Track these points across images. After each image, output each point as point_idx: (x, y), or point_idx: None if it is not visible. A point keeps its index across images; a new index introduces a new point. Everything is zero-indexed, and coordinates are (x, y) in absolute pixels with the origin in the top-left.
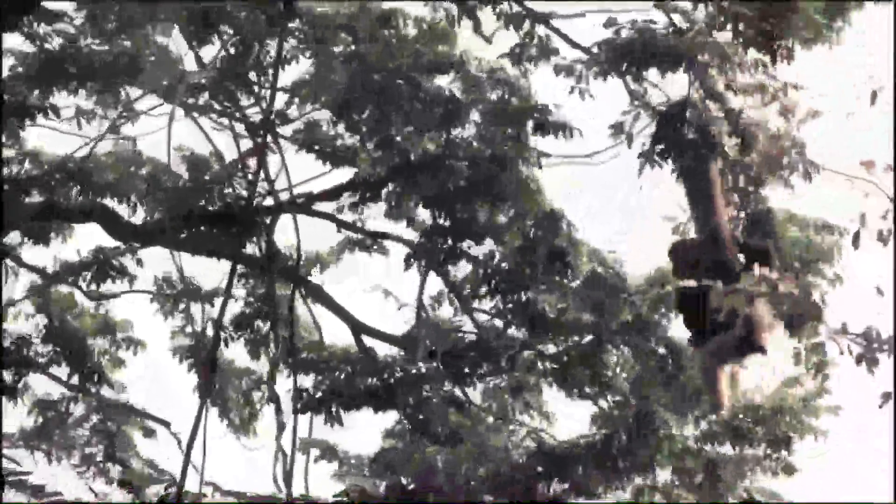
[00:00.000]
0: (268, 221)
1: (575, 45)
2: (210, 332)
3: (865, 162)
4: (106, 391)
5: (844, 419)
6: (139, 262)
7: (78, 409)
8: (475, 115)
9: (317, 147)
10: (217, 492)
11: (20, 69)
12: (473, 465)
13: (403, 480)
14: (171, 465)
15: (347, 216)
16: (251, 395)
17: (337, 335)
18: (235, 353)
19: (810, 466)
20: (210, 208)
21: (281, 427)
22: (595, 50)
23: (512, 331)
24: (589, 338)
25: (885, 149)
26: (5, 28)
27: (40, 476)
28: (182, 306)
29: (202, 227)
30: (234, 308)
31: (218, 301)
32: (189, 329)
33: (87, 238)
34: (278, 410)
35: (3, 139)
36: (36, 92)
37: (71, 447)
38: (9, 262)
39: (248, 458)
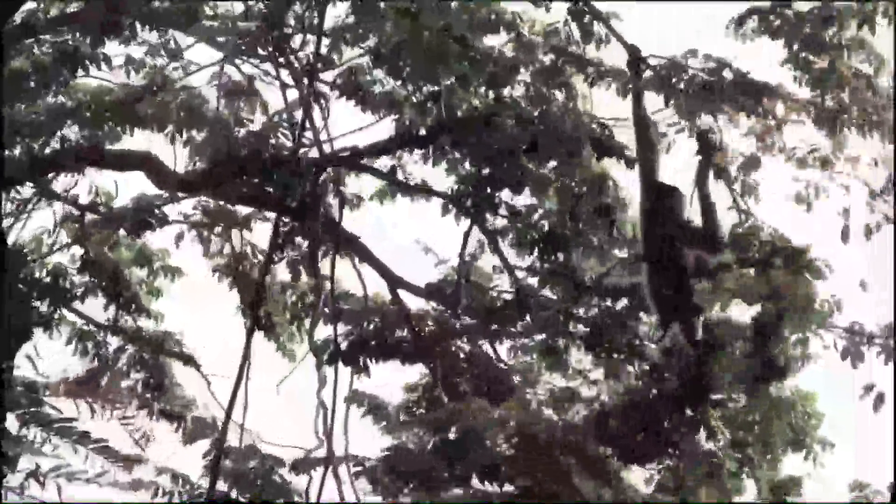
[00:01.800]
0: (312, 173)
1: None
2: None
3: (850, 158)
4: (143, 321)
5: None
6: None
7: (115, 340)
8: (525, 76)
9: (357, 93)
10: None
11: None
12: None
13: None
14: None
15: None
16: (297, 309)
17: (373, 288)
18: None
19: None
20: (254, 159)
21: (322, 380)
22: None
23: (547, 291)
24: (625, 302)
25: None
26: None
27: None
28: (219, 230)
29: (245, 178)
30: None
31: (254, 225)
32: (227, 250)
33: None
34: (319, 363)
35: None
36: (87, 39)
37: (115, 393)
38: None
39: (288, 409)
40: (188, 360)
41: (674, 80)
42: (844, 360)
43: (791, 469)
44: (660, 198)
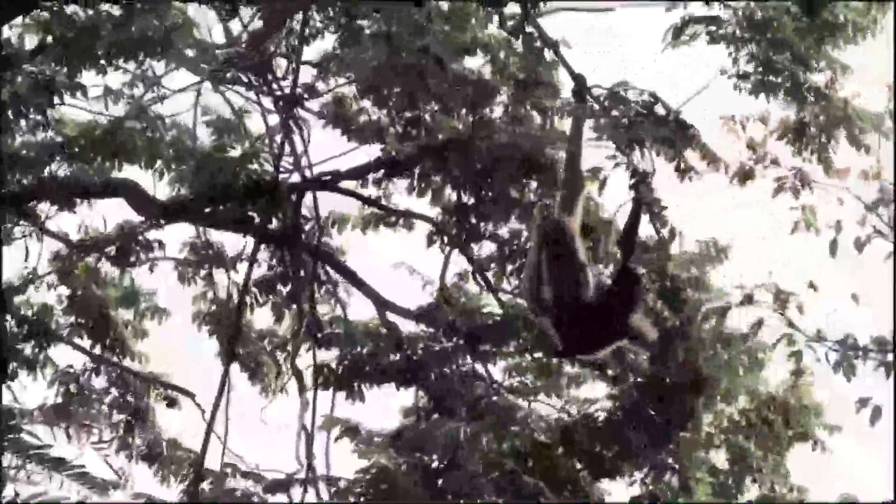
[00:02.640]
0: (294, 198)
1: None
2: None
3: (839, 170)
4: (128, 362)
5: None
6: (160, 244)
7: (99, 382)
8: (504, 97)
9: (343, 122)
10: (237, 472)
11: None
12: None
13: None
14: (195, 441)
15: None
16: (276, 355)
17: (360, 312)
18: (258, 315)
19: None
20: (236, 184)
21: (304, 404)
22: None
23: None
24: None
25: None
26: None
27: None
28: (204, 272)
29: (228, 204)
30: (257, 272)
31: (241, 267)
32: (211, 295)
33: (114, 207)
34: (301, 388)
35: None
36: (64, 70)
37: (92, 422)
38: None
39: (270, 435)
40: (183, 393)
41: (612, 111)
42: (837, 373)
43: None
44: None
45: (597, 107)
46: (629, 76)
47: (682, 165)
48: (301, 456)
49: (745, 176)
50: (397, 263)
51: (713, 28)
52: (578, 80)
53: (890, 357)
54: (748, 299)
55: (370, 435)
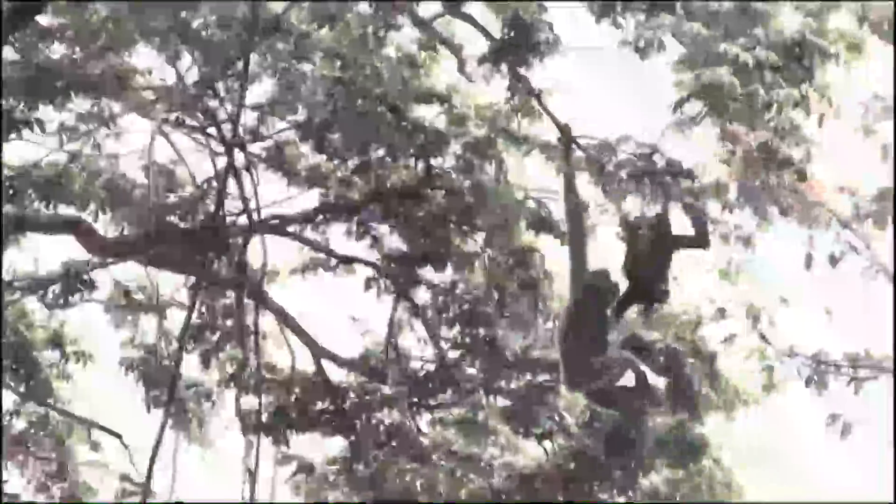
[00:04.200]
0: (239, 241)
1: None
2: (162, 344)
3: (815, 184)
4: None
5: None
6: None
7: (19, 424)
8: (457, 147)
9: (286, 167)
10: None
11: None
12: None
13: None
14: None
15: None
16: (201, 405)
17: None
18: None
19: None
20: (182, 226)
21: (248, 445)
22: None
23: (469, 364)
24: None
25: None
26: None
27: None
28: (131, 318)
29: (173, 245)
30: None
31: (169, 313)
32: (138, 341)
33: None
34: (245, 429)
35: None
36: (20, 105)
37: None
38: None
39: (212, 477)
40: (109, 434)
41: (604, 162)
42: (808, 387)
43: None
44: (586, 294)
45: (583, 154)
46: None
47: None
48: (246, 496)
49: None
50: (339, 312)
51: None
52: (563, 130)
53: (861, 372)
54: (720, 313)
55: (323, 473)
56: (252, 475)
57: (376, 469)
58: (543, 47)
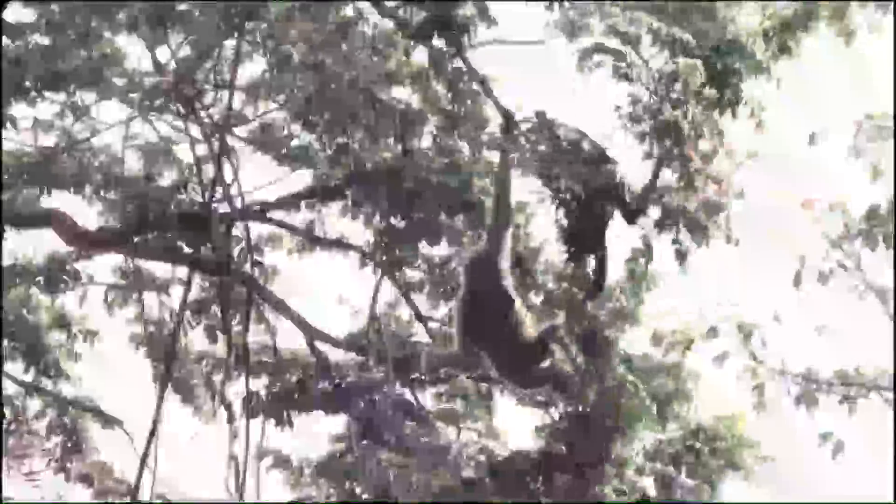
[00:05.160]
0: (224, 228)
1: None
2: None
3: (805, 201)
4: (63, 385)
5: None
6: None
7: (34, 405)
8: (431, 127)
9: (273, 148)
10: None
11: None
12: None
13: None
14: (129, 465)
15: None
16: (212, 378)
17: (292, 339)
18: (192, 337)
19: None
20: (166, 215)
21: (233, 433)
22: None
23: None
24: None
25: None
26: None
27: None
28: (135, 296)
29: (157, 234)
30: (191, 294)
31: (172, 290)
32: (144, 317)
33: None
34: (230, 417)
35: None
36: None
37: (27, 448)
38: None
39: (204, 461)
40: (110, 421)
41: (539, 145)
42: (798, 407)
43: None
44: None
45: (524, 141)
46: (565, 108)
47: None
48: (231, 486)
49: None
50: (329, 292)
51: (618, 63)
52: (506, 115)
53: (852, 391)
54: (713, 332)
55: (301, 465)
56: (237, 464)
57: (372, 458)
58: (469, 21)
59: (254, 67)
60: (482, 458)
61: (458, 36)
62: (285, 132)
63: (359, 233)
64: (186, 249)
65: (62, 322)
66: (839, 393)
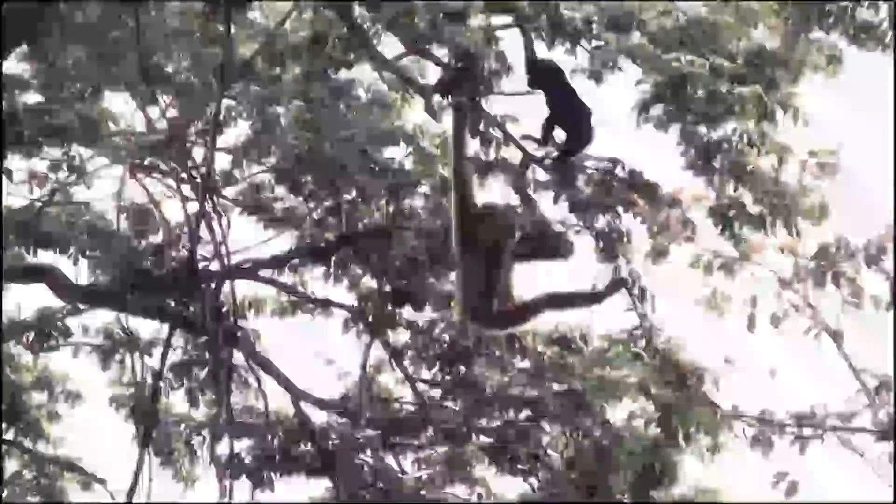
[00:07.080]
0: (213, 286)
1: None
2: (149, 381)
3: (755, 245)
4: (42, 446)
5: None
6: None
7: (11, 465)
8: (425, 188)
9: (260, 210)
10: None
11: None
12: None
13: None
14: None
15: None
16: (191, 441)
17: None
18: (174, 400)
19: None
20: (155, 272)
21: (222, 492)
22: None
23: (450, 403)
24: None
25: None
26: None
27: None
28: (119, 357)
29: (146, 291)
30: (173, 356)
31: (155, 351)
32: (126, 379)
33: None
34: (219, 475)
35: None
36: None
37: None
38: None
39: None
40: (91, 480)
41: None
42: (754, 448)
43: None
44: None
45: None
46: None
47: None
48: None
49: (658, 254)
50: (316, 353)
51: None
52: (526, 154)
53: (806, 431)
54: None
55: None
56: None
57: None
58: (492, 78)
59: (240, 129)
60: None
61: (480, 89)
62: (271, 195)
63: (342, 297)
64: (173, 307)
65: (43, 384)
66: (793, 434)
